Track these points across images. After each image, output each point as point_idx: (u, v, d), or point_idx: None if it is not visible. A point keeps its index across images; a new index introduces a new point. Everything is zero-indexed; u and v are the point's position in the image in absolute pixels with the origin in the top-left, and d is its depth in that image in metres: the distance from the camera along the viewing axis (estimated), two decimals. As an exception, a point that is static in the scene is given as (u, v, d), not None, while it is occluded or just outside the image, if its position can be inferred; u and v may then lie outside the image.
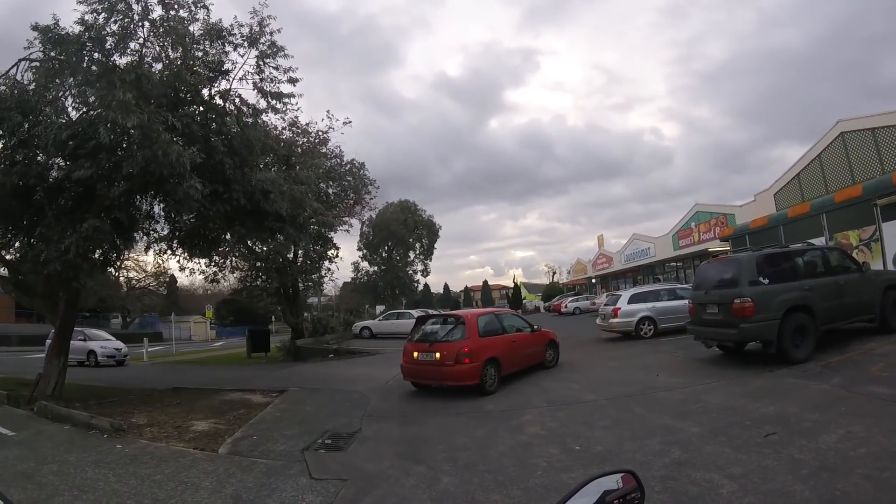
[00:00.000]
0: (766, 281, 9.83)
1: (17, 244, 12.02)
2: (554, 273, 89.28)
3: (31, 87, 10.26)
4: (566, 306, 45.04)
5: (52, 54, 10.21)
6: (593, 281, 63.47)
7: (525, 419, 7.85)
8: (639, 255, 46.84)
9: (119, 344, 25.46)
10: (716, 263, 11.64)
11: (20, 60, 10.54)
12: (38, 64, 10.43)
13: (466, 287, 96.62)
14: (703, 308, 10.97)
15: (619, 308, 17.76)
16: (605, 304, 20.68)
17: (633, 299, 17.95)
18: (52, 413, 9.54)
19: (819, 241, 17.04)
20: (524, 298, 76.03)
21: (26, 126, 10.01)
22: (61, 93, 10.61)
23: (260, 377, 15.89)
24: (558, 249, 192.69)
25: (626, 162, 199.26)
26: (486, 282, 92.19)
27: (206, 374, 18.05)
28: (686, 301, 13.06)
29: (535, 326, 12.75)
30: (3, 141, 10.38)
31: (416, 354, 10.74)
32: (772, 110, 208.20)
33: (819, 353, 9.62)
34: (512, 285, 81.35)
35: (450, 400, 9.87)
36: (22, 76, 10.49)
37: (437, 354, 10.23)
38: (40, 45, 10.24)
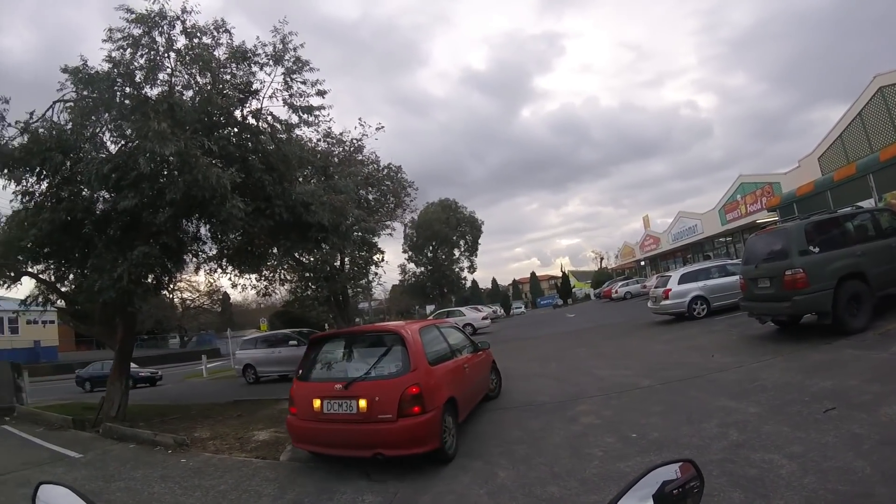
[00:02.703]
0: (817, 250, 9.51)
1: (70, 276, 12.44)
2: (602, 258, 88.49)
3: (69, 126, 10.62)
4: (617, 291, 44.65)
5: (85, 93, 10.60)
6: (642, 263, 62.71)
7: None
8: (686, 233, 45.93)
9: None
10: (764, 236, 11.31)
11: (55, 102, 10.90)
12: (72, 104, 10.83)
13: (514, 280, 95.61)
14: (755, 283, 10.69)
15: (670, 289, 17.50)
16: (655, 287, 20.33)
17: (684, 279, 17.62)
18: (117, 433, 9.91)
19: (868, 203, 16.36)
20: (574, 287, 75.28)
21: (68, 164, 10.45)
22: (98, 129, 11.00)
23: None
24: (604, 234, 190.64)
25: (664, 139, 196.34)
26: (533, 273, 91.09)
27: (264, 386, 18.49)
28: (738, 277, 12.69)
29: (478, 343, 9.45)
30: (47, 180, 10.81)
31: (318, 405, 6.29)
32: (806, 72, 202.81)
33: (877, 320, 9.30)
34: (560, 275, 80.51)
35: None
36: (58, 117, 10.87)
37: (362, 403, 6.00)
38: (72, 85, 10.64)
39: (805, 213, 12.04)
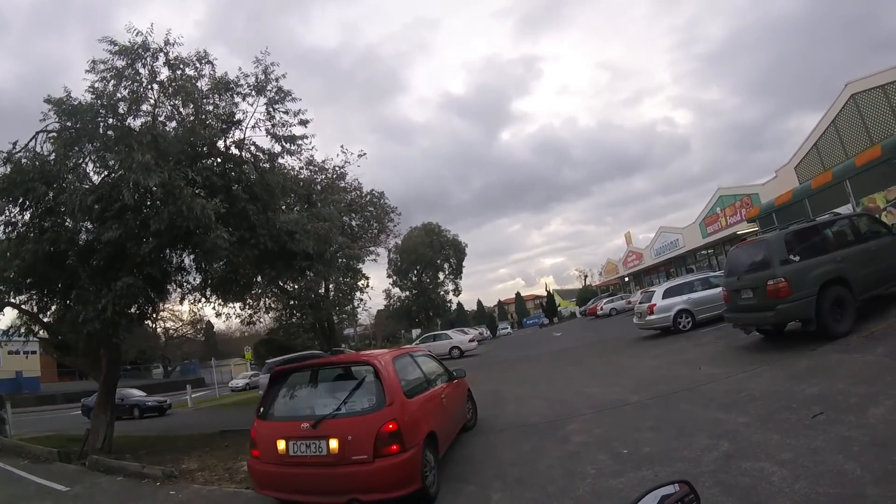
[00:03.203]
0: (798, 258, 9.65)
1: (53, 307, 12.32)
2: (586, 276, 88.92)
3: (52, 156, 10.60)
4: (602, 308, 44.71)
5: (69, 124, 10.60)
6: (626, 279, 63.10)
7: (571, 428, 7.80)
8: (668, 247, 46.50)
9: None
10: (745, 247, 11.45)
11: (38, 133, 10.91)
12: (55, 134, 10.81)
13: (500, 301, 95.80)
14: (738, 294, 10.80)
15: (655, 304, 17.63)
16: (640, 302, 20.44)
17: (668, 293, 17.79)
18: (104, 466, 9.75)
19: (846, 209, 16.63)
20: (559, 305, 75.51)
21: (51, 195, 10.38)
22: (81, 160, 10.97)
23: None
24: (588, 252, 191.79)
25: (644, 155, 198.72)
26: (518, 293, 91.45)
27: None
28: (721, 289, 12.80)
29: (452, 372, 8.77)
30: (30, 211, 10.74)
31: (282, 446, 5.65)
32: (781, 81, 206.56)
33: (861, 323, 9.42)
34: (545, 294, 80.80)
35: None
36: (41, 147, 10.84)
37: (332, 443, 5.38)
38: (55, 116, 10.64)
39: (784, 222, 12.19)
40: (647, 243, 53.18)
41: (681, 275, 38.75)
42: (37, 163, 10.39)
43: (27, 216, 10.92)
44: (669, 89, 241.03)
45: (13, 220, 10.84)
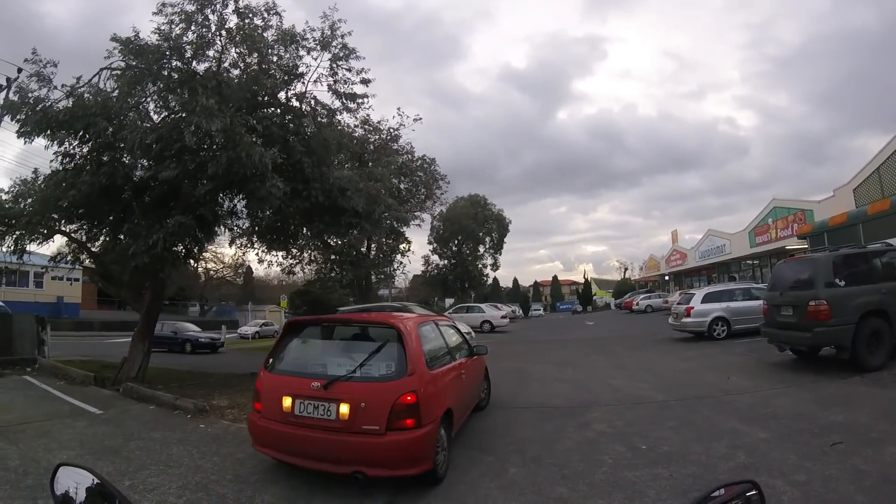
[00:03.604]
0: (843, 283, 9.46)
1: (102, 238, 12.76)
2: (626, 269, 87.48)
3: (114, 93, 10.90)
4: (638, 304, 44.40)
5: (133, 63, 10.86)
6: (666, 278, 62.12)
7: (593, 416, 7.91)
8: (714, 251, 45.40)
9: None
10: (792, 263, 11.28)
11: (102, 69, 11.20)
12: (119, 72, 11.11)
13: (536, 282, 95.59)
14: (778, 310, 10.66)
15: (693, 307, 17.45)
16: (677, 303, 20.27)
17: (707, 298, 17.56)
18: (138, 394, 10.17)
19: (899, 242, 16.21)
20: (595, 294, 74.93)
21: (111, 130, 10.63)
22: (143, 99, 11.29)
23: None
24: (631, 244, 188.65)
25: (700, 153, 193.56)
26: (555, 276, 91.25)
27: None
28: (761, 302, 12.62)
29: (474, 347, 8.08)
30: (89, 144, 11.07)
31: (288, 403, 5.21)
32: (852, 96, 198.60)
33: (894, 361, 9.26)
34: (582, 281, 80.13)
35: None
36: (104, 84, 11.15)
37: (343, 408, 4.97)
38: (120, 55, 10.89)
39: (835, 244, 11.95)
40: (693, 244, 52.10)
41: (723, 281, 38.14)
42: (99, 98, 10.64)
43: (86, 149, 11.32)
44: (736, 88, 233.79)
45: (71, 151, 11.25)
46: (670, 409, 8.00)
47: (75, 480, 1.49)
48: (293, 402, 5.15)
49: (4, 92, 15.81)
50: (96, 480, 1.46)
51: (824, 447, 5.46)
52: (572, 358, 15.15)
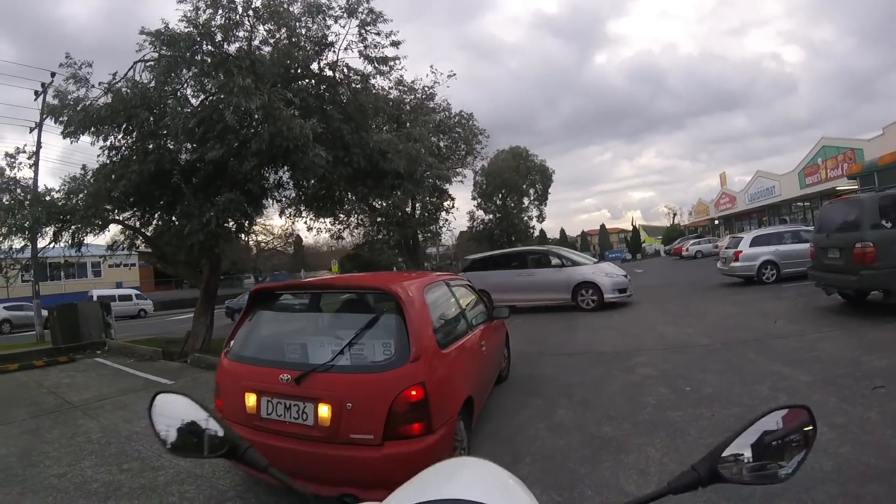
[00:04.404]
0: (890, 225, 9.15)
1: (154, 222, 13.36)
2: (674, 214, 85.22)
3: (151, 84, 11.32)
4: (687, 249, 43.89)
5: (168, 53, 11.17)
6: (716, 222, 60.65)
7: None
8: (763, 193, 44.00)
9: None
10: (839, 204, 10.95)
11: (136, 63, 11.63)
12: (153, 63, 11.47)
13: (583, 232, 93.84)
14: (825, 252, 10.49)
15: (741, 251, 17.22)
16: (726, 247, 19.90)
17: (755, 242, 17.29)
18: (205, 363, 10.70)
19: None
20: (643, 242, 73.78)
21: (153, 119, 11.08)
22: (180, 85, 11.71)
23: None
24: (679, 189, 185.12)
25: (746, 92, 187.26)
26: (603, 225, 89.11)
27: None
28: (809, 244, 12.32)
29: (493, 307, 6.75)
30: (133, 135, 11.56)
31: (252, 402, 3.91)
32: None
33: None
34: (630, 228, 78.75)
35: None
36: (140, 76, 11.57)
37: (322, 410, 3.65)
38: (151, 46, 11.21)
39: (884, 184, 11.59)
40: (742, 187, 50.53)
41: (774, 224, 37.20)
42: (137, 90, 11.09)
43: (130, 140, 11.83)
44: (780, 22, 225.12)
45: (117, 144, 11.79)
46: (715, 353, 8.10)
47: (170, 404, 1.56)
48: (258, 401, 3.83)
49: (42, 97, 16.47)
50: (191, 403, 1.54)
51: (865, 391, 5.51)
52: (620, 306, 15.23)
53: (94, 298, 25.31)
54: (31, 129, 13.30)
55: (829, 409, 5.08)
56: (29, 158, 13.85)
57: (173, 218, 11.98)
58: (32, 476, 5.02)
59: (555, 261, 15.98)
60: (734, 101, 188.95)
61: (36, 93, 15.76)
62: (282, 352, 4.18)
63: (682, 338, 9.57)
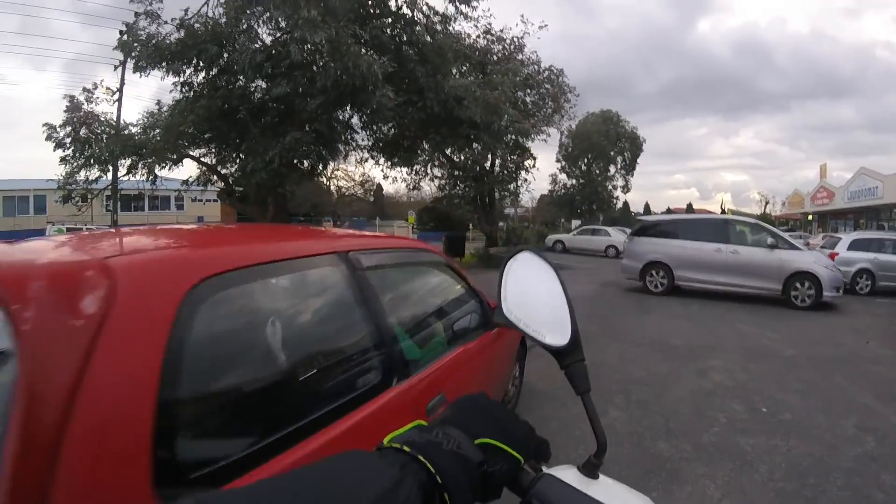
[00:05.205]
0: None
1: (230, 160, 13.56)
2: (767, 203, 79.49)
3: (223, 20, 11.25)
4: (777, 242, 40.83)
5: None
6: (809, 217, 56.27)
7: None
8: (864, 193, 39.33)
9: None
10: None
11: None
12: (227, 1, 11.46)
13: (669, 208, 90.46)
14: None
15: (837, 253, 15.22)
16: (820, 247, 17.82)
17: (855, 245, 15.44)
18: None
19: None
20: (731, 227, 70.41)
21: (224, 55, 11.12)
22: (252, 21, 11.57)
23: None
24: (774, 177, 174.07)
25: (856, 79, 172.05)
26: (689, 204, 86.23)
27: None
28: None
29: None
30: (204, 71, 11.63)
31: None
32: None
33: None
34: (719, 211, 75.41)
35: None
36: (213, 12, 11.69)
37: None
38: None
39: None
40: (842, 183, 46.14)
41: (869, 229, 34.12)
42: (209, 26, 11.16)
43: (201, 76, 12.02)
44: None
45: (189, 80, 12.02)
46: (799, 367, 7.16)
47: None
48: None
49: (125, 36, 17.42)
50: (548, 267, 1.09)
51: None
52: (699, 294, 14.16)
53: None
54: (115, 68, 13.76)
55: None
56: (112, 95, 14.34)
57: (241, 155, 12.16)
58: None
59: (769, 239, 12.61)
60: (843, 87, 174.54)
61: (120, 32, 16.55)
62: None
63: (764, 343, 8.58)
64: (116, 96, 15.62)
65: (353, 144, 14.71)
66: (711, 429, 4.89)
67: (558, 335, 1.00)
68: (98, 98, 13.59)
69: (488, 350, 3.45)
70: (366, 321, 2.13)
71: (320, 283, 2.16)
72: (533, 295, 1.08)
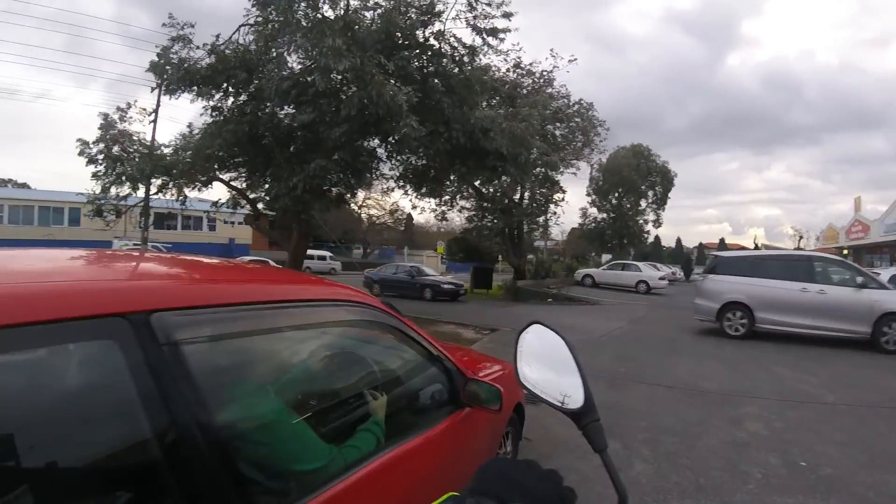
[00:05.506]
0: None
1: (259, 185, 13.81)
2: (800, 237, 77.66)
3: (253, 48, 11.60)
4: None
5: (271, 16, 11.43)
6: (844, 252, 54.85)
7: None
8: (901, 227, 38.91)
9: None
10: None
11: (240, 26, 12.06)
12: (258, 27, 11.84)
13: (701, 244, 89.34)
14: None
15: None
16: None
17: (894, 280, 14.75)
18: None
19: None
20: (763, 264, 69.05)
21: (254, 81, 11.33)
22: (282, 49, 11.81)
23: (477, 313, 16.35)
24: (807, 210, 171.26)
25: (887, 110, 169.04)
26: (722, 239, 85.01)
27: (426, 306, 19.10)
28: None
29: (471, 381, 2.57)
30: (233, 96, 11.87)
31: None
32: None
33: None
34: (752, 246, 73.98)
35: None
36: (244, 39, 12.07)
37: None
38: (256, 9, 11.59)
39: None
40: (878, 216, 45.19)
41: None
42: (239, 52, 11.60)
43: (230, 101, 12.33)
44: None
45: (219, 105, 12.43)
46: (839, 415, 6.73)
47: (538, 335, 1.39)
48: None
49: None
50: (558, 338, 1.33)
51: None
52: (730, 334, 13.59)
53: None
54: (152, 90, 14.22)
55: None
56: (147, 115, 14.85)
57: (267, 180, 12.35)
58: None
59: (858, 278, 11.71)
60: (874, 118, 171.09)
61: (158, 55, 17.42)
62: None
63: (802, 388, 8.10)
64: (152, 117, 16.32)
65: (378, 173, 14.82)
66: (746, 486, 4.53)
67: (573, 399, 1.21)
68: (131, 118, 14.01)
69: (458, 436, 2.54)
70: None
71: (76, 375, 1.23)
72: (546, 363, 1.30)
